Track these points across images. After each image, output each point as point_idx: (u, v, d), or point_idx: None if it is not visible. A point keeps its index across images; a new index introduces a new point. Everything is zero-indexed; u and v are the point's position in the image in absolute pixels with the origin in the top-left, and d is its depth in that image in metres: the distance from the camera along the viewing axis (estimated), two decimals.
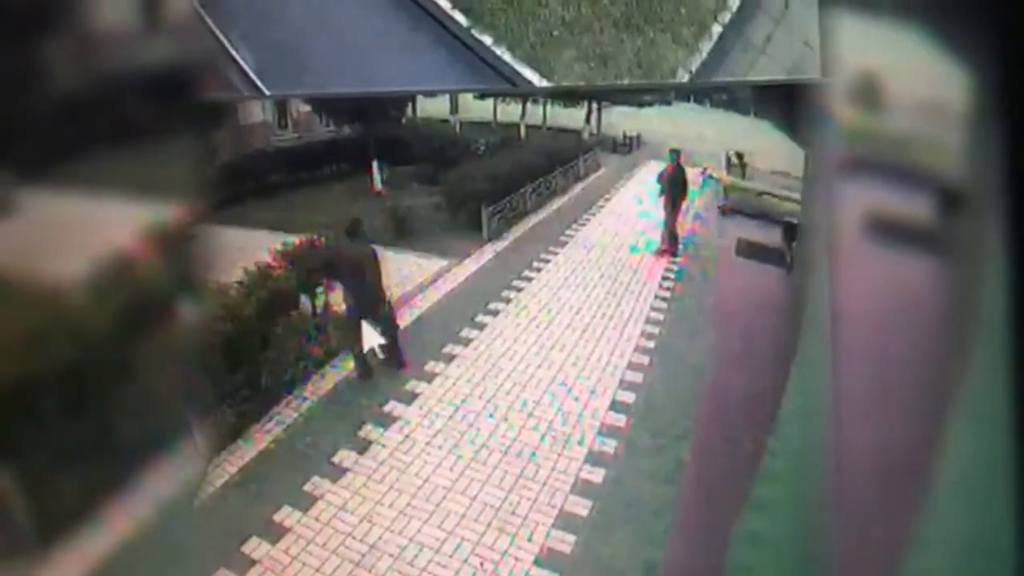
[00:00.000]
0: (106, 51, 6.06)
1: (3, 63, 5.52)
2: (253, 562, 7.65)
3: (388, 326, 11.38)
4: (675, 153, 17.57)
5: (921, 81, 6.25)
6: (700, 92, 20.52)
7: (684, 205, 16.95)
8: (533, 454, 9.19)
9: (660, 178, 17.18)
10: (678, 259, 16.20)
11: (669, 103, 22.39)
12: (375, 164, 20.37)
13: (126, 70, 6.17)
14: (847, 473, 6.33)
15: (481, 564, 7.66)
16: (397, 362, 11.36)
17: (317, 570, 7.63)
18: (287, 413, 10.02)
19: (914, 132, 6.35)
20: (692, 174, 21.21)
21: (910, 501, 5.96)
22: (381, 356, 11.36)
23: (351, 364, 11.25)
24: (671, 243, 16.62)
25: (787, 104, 8.29)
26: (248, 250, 11.45)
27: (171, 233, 6.27)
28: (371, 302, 11.20)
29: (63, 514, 5.92)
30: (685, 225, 17.22)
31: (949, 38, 6.05)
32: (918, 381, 6.11)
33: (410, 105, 22.34)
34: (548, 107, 25.53)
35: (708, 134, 20.91)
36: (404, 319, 12.82)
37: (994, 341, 5.71)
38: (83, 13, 5.97)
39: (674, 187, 16.86)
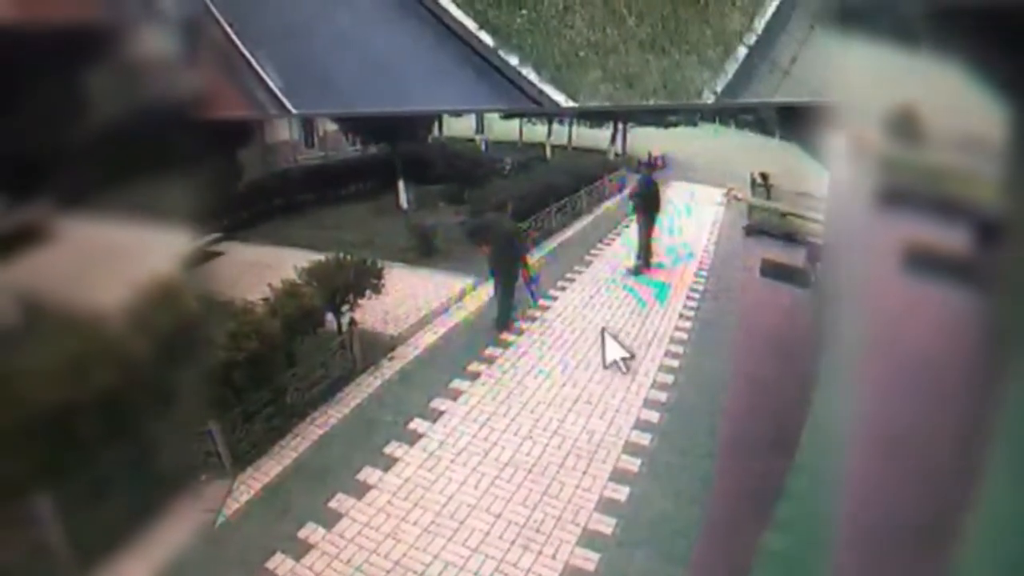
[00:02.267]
0: (142, 80, 6.13)
1: (43, 95, 5.60)
2: None
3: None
4: (647, 167, 18.42)
5: (949, 111, 6.25)
6: (726, 113, 20.47)
7: (658, 219, 17.06)
8: (557, 472, 9.16)
9: (630, 195, 17.60)
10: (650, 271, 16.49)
11: (695, 124, 22.36)
12: (401, 183, 20.43)
13: (161, 98, 6.24)
14: (869, 495, 6.32)
15: None
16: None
17: None
18: (312, 430, 10.06)
19: (949, 163, 6.34)
20: (712, 194, 21.20)
21: (943, 523, 5.94)
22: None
23: (375, 381, 11.34)
24: (645, 259, 16.70)
25: (812, 125, 8.31)
26: (275, 267, 11.50)
27: (199, 255, 6.34)
28: (513, 264, 14.01)
29: (99, 538, 5.97)
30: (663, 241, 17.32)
31: (980, 69, 6.05)
32: (946, 415, 6.09)
33: (436, 124, 22.38)
34: (574, 127, 25.53)
35: (734, 155, 20.87)
36: (427, 337, 12.89)
37: None
38: (122, 43, 6.04)
39: (647, 202, 17.04)
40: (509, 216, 15.20)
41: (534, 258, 15.82)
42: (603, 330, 14.47)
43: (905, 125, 6.37)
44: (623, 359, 13.72)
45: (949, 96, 6.20)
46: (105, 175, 5.68)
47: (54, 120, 5.53)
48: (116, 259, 5.88)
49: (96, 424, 5.72)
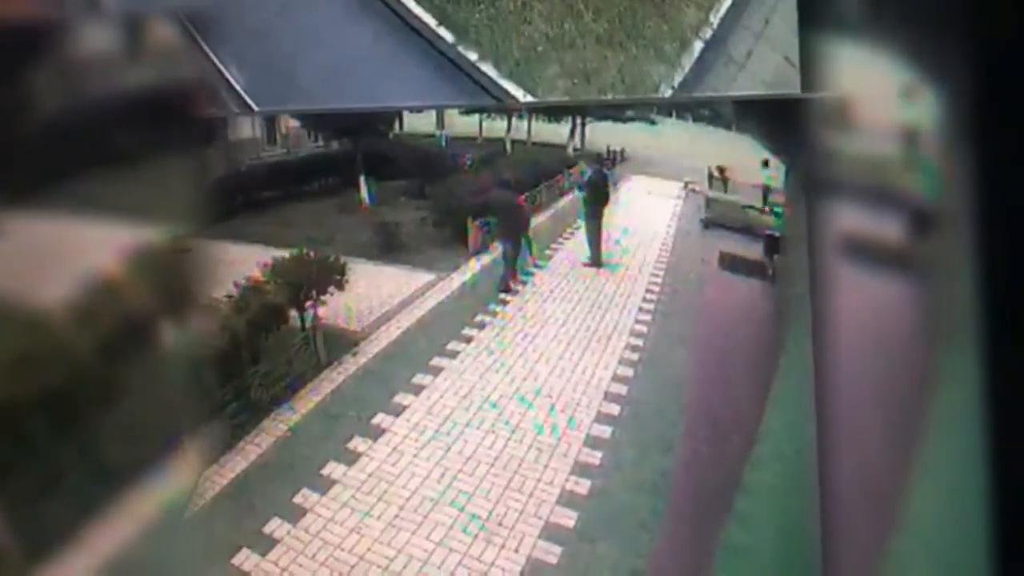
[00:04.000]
0: (94, 73, 6.12)
1: None
2: (244, 573, 7.71)
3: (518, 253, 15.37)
4: (598, 158, 18.79)
5: (895, 101, 6.35)
6: (682, 107, 20.67)
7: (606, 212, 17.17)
8: (519, 466, 9.21)
9: (583, 186, 17.67)
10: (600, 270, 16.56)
11: (652, 120, 22.53)
12: (362, 179, 20.41)
13: (115, 91, 6.23)
14: (830, 484, 6.43)
15: (468, 575, 7.71)
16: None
17: None
18: (276, 426, 10.05)
19: (887, 152, 6.45)
20: (670, 188, 21.33)
21: (892, 512, 6.06)
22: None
23: (339, 377, 11.38)
24: (594, 255, 16.89)
25: (767, 119, 8.39)
26: (238, 264, 11.48)
27: (163, 249, 6.33)
28: (516, 233, 15.58)
29: (50, 533, 5.95)
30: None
31: (923, 58, 6.15)
32: (895, 395, 6.22)
33: (397, 120, 22.36)
34: (533, 122, 25.58)
35: (691, 149, 21.00)
36: (390, 332, 12.92)
37: (964, 357, 5.83)
38: (71, 36, 6.04)
39: (595, 194, 17.24)
40: (512, 190, 16.97)
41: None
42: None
43: (841, 115, 6.48)
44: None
45: (883, 84, 6.31)
46: (51, 171, 5.69)
47: None
48: (62, 255, 5.88)
49: (42, 420, 5.72)
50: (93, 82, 6.12)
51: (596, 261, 16.96)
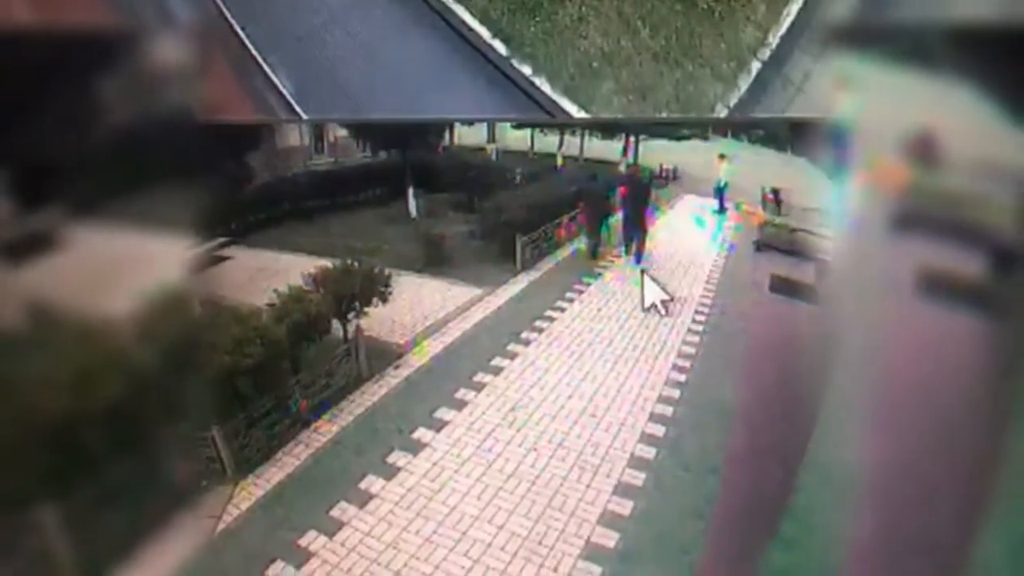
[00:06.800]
0: (155, 86, 6.11)
1: (56, 100, 5.57)
2: None
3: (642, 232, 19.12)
4: (634, 166, 20.92)
5: (963, 135, 6.21)
6: (738, 127, 20.71)
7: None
8: (561, 484, 9.11)
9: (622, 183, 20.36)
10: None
11: (707, 138, 22.67)
12: (410, 190, 20.49)
13: (174, 105, 6.22)
14: (875, 518, 6.27)
15: None
16: (636, 257, 18.95)
17: None
18: (315, 438, 10.05)
19: (965, 188, 6.30)
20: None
21: (939, 557, 5.89)
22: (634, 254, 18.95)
23: (381, 389, 11.38)
24: (628, 248, 19.44)
25: (824, 142, 8.29)
26: (282, 273, 11.48)
27: (207, 259, 6.32)
28: (600, 217, 19.67)
29: (103, 549, 5.94)
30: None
31: (999, 94, 6.00)
32: (956, 439, 6.04)
33: (447, 132, 22.44)
34: (586, 138, 25.59)
35: (745, 169, 20.89)
36: (435, 347, 12.90)
37: None
38: (136, 51, 6.02)
39: (632, 191, 19.27)
40: (598, 182, 20.64)
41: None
42: (643, 271, 14.88)
43: (922, 149, 6.34)
44: (663, 302, 13.93)
45: (965, 119, 6.16)
46: (116, 182, 5.66)
47: (66, 126, 5.51)
48: (124, 268, 5.85)
49: (102, 434, 5.68)
50: (160, 92, 6.11)
51: (630, 251, 19.26)
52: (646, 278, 15.54)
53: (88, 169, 5.72)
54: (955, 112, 6.21)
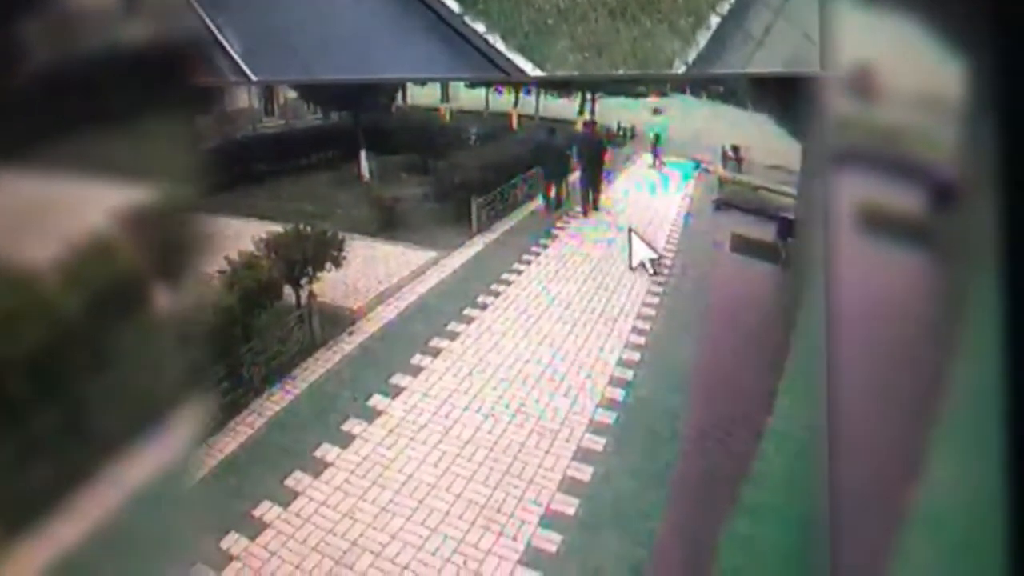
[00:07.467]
0: (89, 31, 5.95)
1: None
2: (231, 557, 7.56)
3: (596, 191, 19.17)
4: (591, 123, 21.66)
5: (918, 74, 6.19)
6: (696, 84, 20.69)
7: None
8: (519, 451, 9.04)
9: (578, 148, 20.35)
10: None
11: (665, 94, 22.61)
12: (363, 153, 20.29)
13: (109, 51, 6.07)
14: (839, 475, 6.26)
15: (464, 562, 7.55)
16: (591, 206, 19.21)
17: (297, 567, 7.51)
18: (269, 406, 9.95)
19: (910, 125, 6.29)
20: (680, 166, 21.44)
21: (902, 505, 5.87)
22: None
23: (335, 356, 11.31)
24: (593, 201, 19.43)
25: (785, 97, 8.19)
26: (231, 238, 11.33)
27: (152, 215, 6.16)
28: (558, 173, 19.53)
29: (33, 502, 5.83)
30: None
31: (947, 31, 5.98)
32: (911, 378, 6.05)
33: (400, 93, 22.22)
34: (541, 97, 25.47)
35: (704, 127, 20.88)
36: (388, 311, 12.78)
37: (986, 335, 5.66)
38: None
39: (590, 154, 19.57)
40: (557, 138, 20.38)
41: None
42: (630, 229, 14.87)
43: (862, 83, 6.30)
44: (651, 260, 13.90)
45: (907, 54, 6.13)
46: (41, 128, 5.52)
47: None
48: (51, 215, 5.71)
49: (28, 383, 5.57)
50: (87, 36, 5.97)
51: (594, 207, 19.14)
52: (633, 237, 15.51)
53: (10, 113, 5.58)
54: (898, 46, 6.18)
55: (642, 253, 14.87)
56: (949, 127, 6.08)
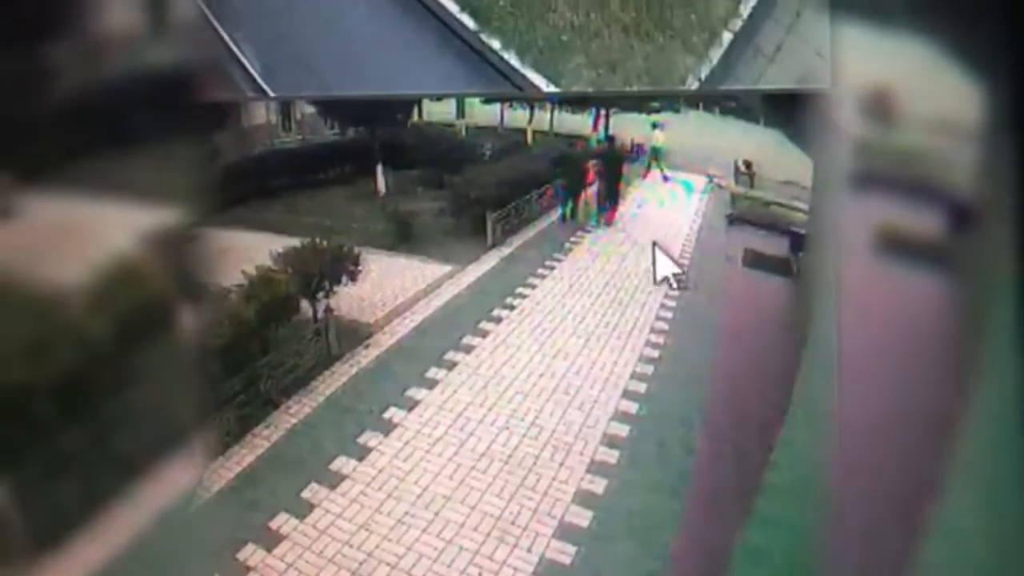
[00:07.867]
0: (110, 54, 6.01)
1: (5, 66, 5.46)
2: (248, 569, 7.57)
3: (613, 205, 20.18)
4: (609, 138, 21.96)
5: (932, 95, 6.19)
6: (709, 100, 20.70)
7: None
8: (534, 463, 9.08)
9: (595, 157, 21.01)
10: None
11: (678, 110, 22.64)
12: (379, 168, 20.38)
13: (132, 73, 6.12)
14: (851, 487, 6.27)
15: (480, 574, 7.57)
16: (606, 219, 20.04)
17: None
18: (286, 419, 9.97)
19: (924, 146, 6.29)
20: (699, 183, 21.49)
21: (915, 519, 5.88)
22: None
23: (351, 369, 11.34)
24: (611, 203, 20.16)
25: (796, 113, 8.23)
26: (249, 252, 11.39)
27: (173, 236, 6.21)
28: (578, 184, 20.21)
29: (59, 521, 5.86)
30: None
31: (961, 52, 5.98)
32: (923, 393, 6.05)
33: (416, 109, 22.32)
34: (555, 113, 25.56)
35: (717, 143, 20.91)
36: (405, 325, 12.83)
37: (1003, 358, 5.64)
38: (87, 16, 5.91)
39: (608, 162, 20.08)
40: (576, 151, 22.09)
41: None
42: (654, 243, 14.92)
43: (879, 106, 6.31)
44: (675, 275, 13.96)
45: (923, 76, 6.14)
46: (67, 151, 5.56)
47: (13, 93, 5.40)
48: (77, 237, 5.75)
49: (54, 406, 5.61)
50: (111, 59, 6.01)
51: (612, 206, 19.88)
52: (657, 251, 15.58)
53: (37, 137, 5.62)
54: (914, 69, 6.19)
55: (666, 268, 14.94)
56: (964, 147, 6.09)
